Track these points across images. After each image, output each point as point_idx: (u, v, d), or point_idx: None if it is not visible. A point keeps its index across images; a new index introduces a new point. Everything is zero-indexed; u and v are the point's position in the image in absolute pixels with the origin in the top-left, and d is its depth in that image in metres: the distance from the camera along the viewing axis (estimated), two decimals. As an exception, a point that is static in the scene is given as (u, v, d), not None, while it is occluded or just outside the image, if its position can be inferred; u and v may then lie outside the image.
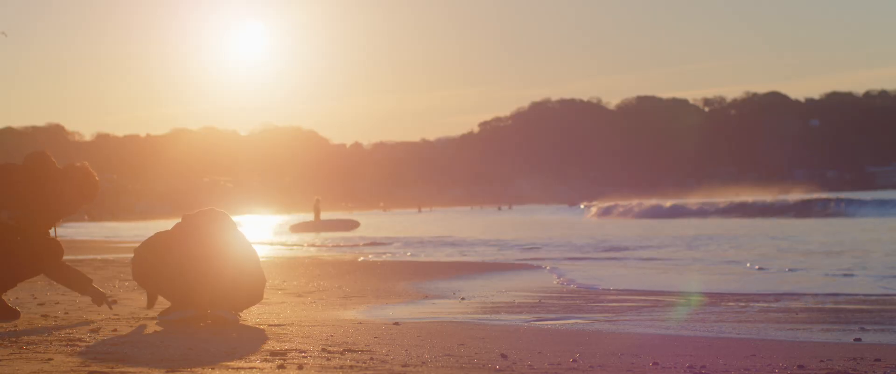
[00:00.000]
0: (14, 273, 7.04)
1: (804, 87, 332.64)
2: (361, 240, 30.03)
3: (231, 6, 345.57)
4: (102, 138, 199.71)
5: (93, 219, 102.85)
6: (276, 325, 6.94)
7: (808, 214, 49.00)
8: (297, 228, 45.01)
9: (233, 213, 7.42)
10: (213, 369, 4.88)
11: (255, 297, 7.18)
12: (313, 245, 27.35)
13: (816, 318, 8.17)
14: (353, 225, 45.82)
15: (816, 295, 10.22)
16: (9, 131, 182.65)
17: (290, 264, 15.86)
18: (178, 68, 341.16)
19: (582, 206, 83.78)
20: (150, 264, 7.07)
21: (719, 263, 15.97)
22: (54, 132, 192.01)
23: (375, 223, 55.67)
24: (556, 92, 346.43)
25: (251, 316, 7.49)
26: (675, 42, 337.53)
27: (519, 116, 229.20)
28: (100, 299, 7.34)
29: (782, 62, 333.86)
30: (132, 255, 7.26)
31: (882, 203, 48.99)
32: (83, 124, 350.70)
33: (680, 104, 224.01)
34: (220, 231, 7.07)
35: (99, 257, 17.43)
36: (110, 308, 7.47)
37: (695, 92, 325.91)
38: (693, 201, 67.56)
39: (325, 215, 49.55)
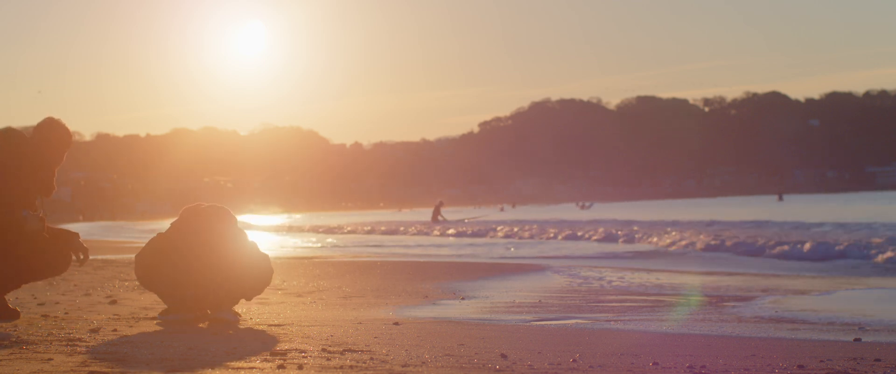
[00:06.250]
0: (21, 275, 7.03)
1: (804, 87, 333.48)
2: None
3: (231, 6, 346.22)
4: (102, 138, 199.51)
5: (87, 219, 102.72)
6: (276, 325, 6.94)
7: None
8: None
9: (233, 213, 7.39)
10: (212, 369, 4.88)
11: (262, 285, 7.24)
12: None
13: (816, 318, 8.17)
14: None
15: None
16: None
17: (290, 264, 15.85)
18: (178, 68, 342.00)
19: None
20: (154, 268, 7.07)
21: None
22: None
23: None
24: (556, 92, 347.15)
25: (251, 316, 7.49)
26: (675, 42, 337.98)
27: (519, 116, 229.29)
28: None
29: (782, 62, 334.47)
30: (133, 256, 7.26)
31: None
32: (83, 124, 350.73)
33: (680, 104, 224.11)
34: (225, 231, 7.06)
35: (99, 257, 17.39)
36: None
37: (695, 92, 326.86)
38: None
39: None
